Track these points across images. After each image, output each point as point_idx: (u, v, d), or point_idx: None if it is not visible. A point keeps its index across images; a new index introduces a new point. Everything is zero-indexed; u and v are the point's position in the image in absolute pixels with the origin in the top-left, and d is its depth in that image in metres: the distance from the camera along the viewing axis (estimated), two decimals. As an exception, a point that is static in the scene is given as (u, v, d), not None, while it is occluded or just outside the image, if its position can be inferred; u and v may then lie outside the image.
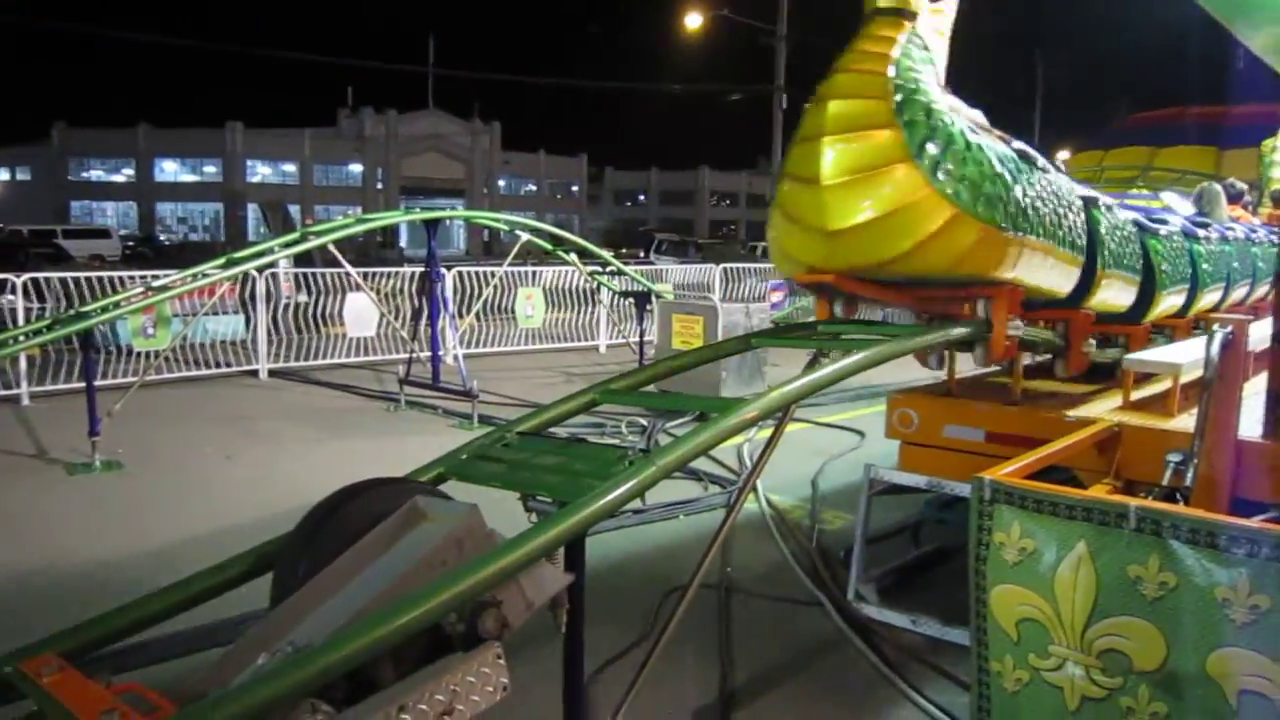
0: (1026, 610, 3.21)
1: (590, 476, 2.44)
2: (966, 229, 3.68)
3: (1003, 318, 4.08)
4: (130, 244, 44.87)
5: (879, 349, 3.36)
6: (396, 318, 12.47)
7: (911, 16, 3.89)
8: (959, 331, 4.03)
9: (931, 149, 3.63)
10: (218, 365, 11.80)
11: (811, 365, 3.58)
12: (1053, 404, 5.03)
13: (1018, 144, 4.28)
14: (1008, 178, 3.87)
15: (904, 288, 4.21)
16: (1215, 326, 3.96)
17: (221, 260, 9.07)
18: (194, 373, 11.49)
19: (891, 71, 3.71)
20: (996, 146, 4.00)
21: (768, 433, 3.37)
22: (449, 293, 12.38)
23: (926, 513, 5.91)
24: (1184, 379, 4.85)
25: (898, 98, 3.66)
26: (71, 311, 8.00)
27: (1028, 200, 3.98)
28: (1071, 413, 4.77)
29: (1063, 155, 16.59)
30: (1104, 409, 4.93)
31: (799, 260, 4.01)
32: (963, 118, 3.95)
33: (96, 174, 64.79)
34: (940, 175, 3.62)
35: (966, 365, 5.74)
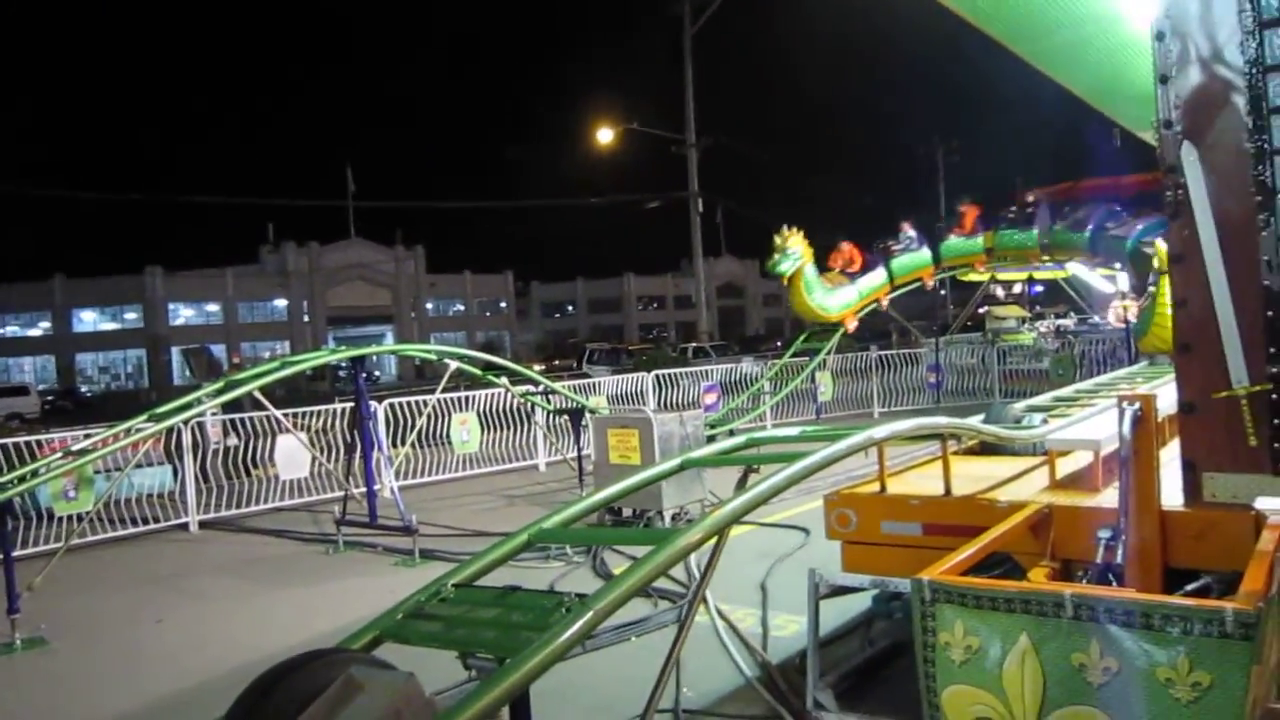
0: (980, 710, 3.21)
1: (528, 628, 2.41)
2: None
3: None
4: (50, 398, 43.72)
5: (810, 460, 3.42)
6: (329, 456, 12.26)
7: None
8: (882, 432, 4.12)
9: None
10: (145, 521, 11.40)
11: (743, 481, 3.62)
12: (984, 489, 5.11)
13: None
14: None
15: None
16: (1124, 403, 4.12)
17: (144, 416, 8.87)
18: (121, 531, 11.07)
19: None
20: None
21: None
22: (381, 426, 12.25)
23: (875, 608, 5.90)
24: (1104, 452, 5.00)
25: None
26: (-14, 484, 7.70)
27: None
28: (1003, 497, 4.86)
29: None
30: (1033, 490, 5.03)
31: None
32: None
33: (11, 329, 63.36)
34: None
35: (897, 457, 5.85)
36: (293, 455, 11.90)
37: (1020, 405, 7.00)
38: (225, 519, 11.84)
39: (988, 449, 6.37)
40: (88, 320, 64.17)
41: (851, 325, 17.01)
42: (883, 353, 20.47)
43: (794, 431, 4.82)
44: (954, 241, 16.98)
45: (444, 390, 12.71)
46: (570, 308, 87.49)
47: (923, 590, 3.37)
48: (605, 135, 33.35)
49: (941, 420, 4.87)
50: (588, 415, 10.74)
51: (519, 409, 14.77)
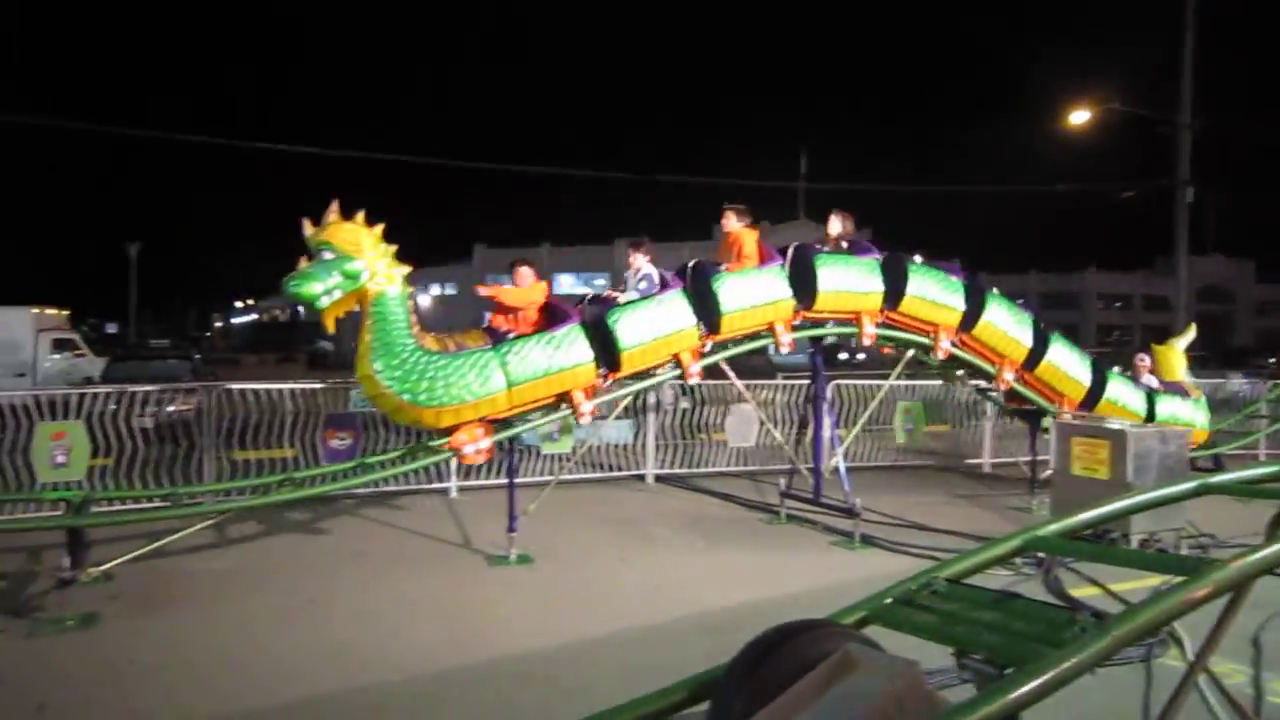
0: None
1: (1035, 640, 2.29)
2: None
3: None
4: (534, 351, 50.27)
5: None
6: (775, 428, 12.70)
7: None
8: None
9: None
10: (610, 469, 12.68)
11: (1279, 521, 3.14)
12: None
13: None
14: None
15: None
16: None
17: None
18: (588, 475, 12.42)
19: None
20: None
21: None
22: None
23: None
24: None
25: None
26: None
27: None
28: None
29: None
30: None
31: None
32: None
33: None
34: None
35: None
36: (744, 424, 12.52)
37: None
38: (676, 475, 12.80)
39: None
40: (566, 284, 72.69)
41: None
42: None
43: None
44: None
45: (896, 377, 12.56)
46: (1020, 301, 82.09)
47: None
48: (1080, 117, 30.41)
49: None
50: (1049, 418, 10.03)
51: (966, 404, 14.21)
